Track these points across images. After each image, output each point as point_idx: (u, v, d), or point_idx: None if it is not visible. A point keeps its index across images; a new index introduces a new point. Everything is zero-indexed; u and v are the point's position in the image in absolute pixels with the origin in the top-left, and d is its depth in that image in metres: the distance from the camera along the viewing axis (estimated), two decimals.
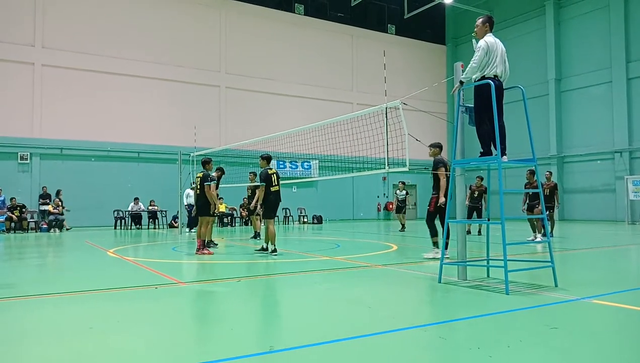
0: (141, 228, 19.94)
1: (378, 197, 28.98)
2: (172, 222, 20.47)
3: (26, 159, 20.08)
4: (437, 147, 8.93)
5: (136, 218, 20.41)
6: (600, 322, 4.26)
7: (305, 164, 25.89)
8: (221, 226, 20.58)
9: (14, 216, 17.87)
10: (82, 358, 3.33)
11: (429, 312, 4.96)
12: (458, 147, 6.18)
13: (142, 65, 22.57)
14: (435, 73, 30.70)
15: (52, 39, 20.82)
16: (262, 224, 11.32)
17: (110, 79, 21.85)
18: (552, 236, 12.43)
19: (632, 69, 23.01)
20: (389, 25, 30.58)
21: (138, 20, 22.68)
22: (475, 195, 13.86)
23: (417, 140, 7.91)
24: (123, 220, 20.17)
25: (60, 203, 18.76)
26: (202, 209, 10.05)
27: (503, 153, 5.77)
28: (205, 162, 10.31)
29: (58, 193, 19.00)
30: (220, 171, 13.09)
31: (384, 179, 28.60)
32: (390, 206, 27.27)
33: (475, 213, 13.73)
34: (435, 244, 8.69)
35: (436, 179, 8.65)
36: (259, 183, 9.77)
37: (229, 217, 21.61)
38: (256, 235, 13.37)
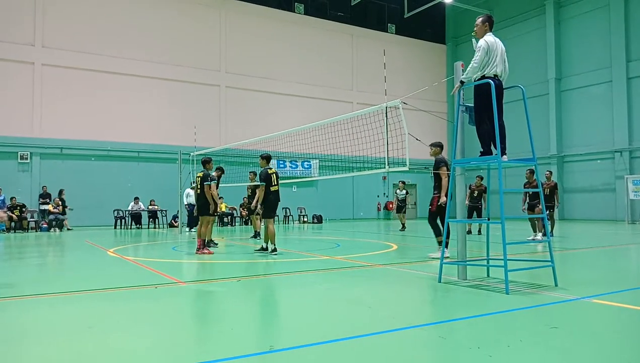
0: (141, 228, 19.95)
1: (378, 196, 28.99)
2: (172, 221, 20.47)
3: (26, 159, 20.08)
4: (438, 146, 8.92)
5: (136, 217, 20.42)
6: (601, 321, 4.26)
7: (305, 163, 25.89)
8: (221, 225, 20.58)
9: (14, 216, 17.87)
10: (82, 358, 3.33)
11: (429, 311, 4.96)
12: (458, 147, 6.17)
13: (142, 65, 22.57)
14: (435, 72, 30.69)
15: (52, 38, 20.82)
16: (262, 224, 11.32)
17: (110, 79, 21.85)
18: (552, 235, 12.43)
19: (632, 68, 23.00)
20: (389, 24, 30.57)
21: (138, 20, 22.67)
22: (475, 195, 13.84)
23: (417, 139, 7.90)
24: (123, 220, 20.17)
25: (60, 202, 18.77)
26: (202, 209, 10.06)
27: (503, 152, 5.76)
28: (206, 162, 10.31)
29: (61, 192, 19.01)
30: (220, 171, 13.08)
31: (384, 178, 28.60)
32: (391, 206, 27.29)
33: (475, 213, 13.72)
34: (440, 243, 8.68)
35: (438, 179, 8.64)
36: (259, 183, 9.78)
37: (229, 217, 21.61)
38: (256, 235, 13.37)
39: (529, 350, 3.34)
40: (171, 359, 3.31)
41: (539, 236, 12.11)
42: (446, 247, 7.95)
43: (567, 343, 3.55)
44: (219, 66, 24.65)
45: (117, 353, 3.42)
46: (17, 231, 17.75)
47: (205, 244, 10.05)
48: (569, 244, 11.71)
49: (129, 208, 20.35)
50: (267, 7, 26.16)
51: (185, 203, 16.07)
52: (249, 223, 18.82)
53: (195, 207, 10.84)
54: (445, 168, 8.55)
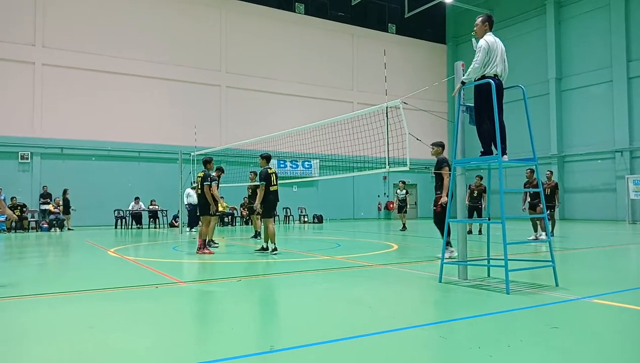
0: (142, 228, 19.95)
1: (379, 196, 28.98)
2: (173, 221, 20.48)
3: (27, 159, 20.10)
4: (440, 146, 8.85)
5: (137, 217, 20.42)
6: (601, 321, 4.25)
7: (306, 163, 25.89)
8: (222, 225, 20.57)
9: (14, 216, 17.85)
10: (82, 358, 3.33)
11: (429, 311, 4.95)
12: (458, 147, 6.17)
13: (142, 65, 22.58)
14: (436, 72, 30.68)
15: (52, 38, 20.83)
16: (262, 224, 11.32)
17: (110, 79, 21.86)
18: (552, 235, 12.40)
19: (633, 68, 22.99)
20: (389, 24, 30.57)
21: (138, 19, 22.68)
22: (475, 195, 13.81)
23: (417, 139, 7.89)
24: (124, 220, 20.18)
25: (61, 202, 18.78)
26: (203, 209, 10.07)
27: (503, 152, 5.76)
28: (206, 162, 10.31)
29: (65, 192, 19.00)
30: (220, 171, 13.08)
31: (385, 178, 28.60)
32: (391, 205, 27.28)
33: (475, 213, 13.70)
34: (448, 243, 8.60)
35: (440, 179, 8.57)
36: (259, 183, 9.78)
37: (230, 217, 21.62)
38: (256, 235, 13.37)
39: (530, 350, 3.33)
40: (171, 359, 3.31)
41: (543, 235, 11.99)
42: (449, 245, 7.92)
43: (568, 343, 3.54)
44: (220, 66, 24.66)
45: (117, 353, 3.42)
46: (17, 231, 17.76)
47: (206, 244, 10.06)
48: (570, 244, 11.70)
49: (130, 208, 20.36)
50: (268, 7, 26.16)
51: (186, 203, 16.08)
52: (250, 223, 18.82)
53: (197, 206, 10.86)
54: (447, 168, 8.50)
